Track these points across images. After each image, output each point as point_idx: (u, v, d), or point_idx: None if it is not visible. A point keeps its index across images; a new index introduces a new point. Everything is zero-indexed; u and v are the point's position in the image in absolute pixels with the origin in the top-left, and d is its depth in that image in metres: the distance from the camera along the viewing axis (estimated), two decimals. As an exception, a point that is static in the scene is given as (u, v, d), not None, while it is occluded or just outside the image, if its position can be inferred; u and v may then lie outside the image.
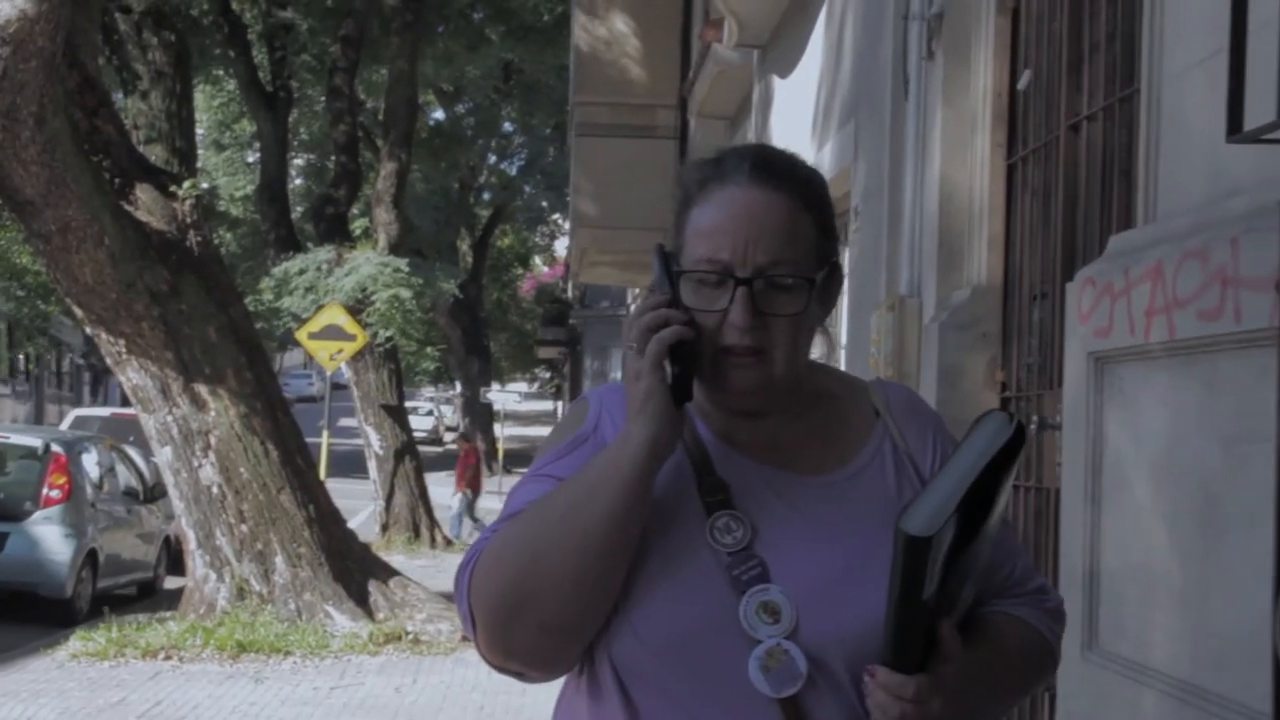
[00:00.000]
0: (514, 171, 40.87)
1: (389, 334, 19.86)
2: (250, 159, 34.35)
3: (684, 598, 1.80)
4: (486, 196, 41.86)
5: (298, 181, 36.26)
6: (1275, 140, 2.69)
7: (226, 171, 35.39)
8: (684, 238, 1.86)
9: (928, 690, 1.74)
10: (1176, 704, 3.24)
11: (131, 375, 11.78)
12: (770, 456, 1.90)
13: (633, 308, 1.84)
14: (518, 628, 1.79)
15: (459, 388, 43.30)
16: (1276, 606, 2.54)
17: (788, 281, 1.81)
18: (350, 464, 28.14)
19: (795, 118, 8.49)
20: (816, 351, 1.96)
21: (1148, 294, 3.46)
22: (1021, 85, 5.18)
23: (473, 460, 24.08)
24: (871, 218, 6.41)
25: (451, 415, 54.52)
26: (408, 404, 25.42)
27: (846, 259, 7.34)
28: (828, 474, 1.90)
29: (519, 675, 1.87)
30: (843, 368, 7.64)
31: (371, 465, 21.44)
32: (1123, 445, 3.69)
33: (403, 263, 19.85)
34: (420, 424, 44.03)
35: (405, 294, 19.50)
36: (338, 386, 23.59)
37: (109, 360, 12.10)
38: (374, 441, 21.24)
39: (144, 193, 11.85)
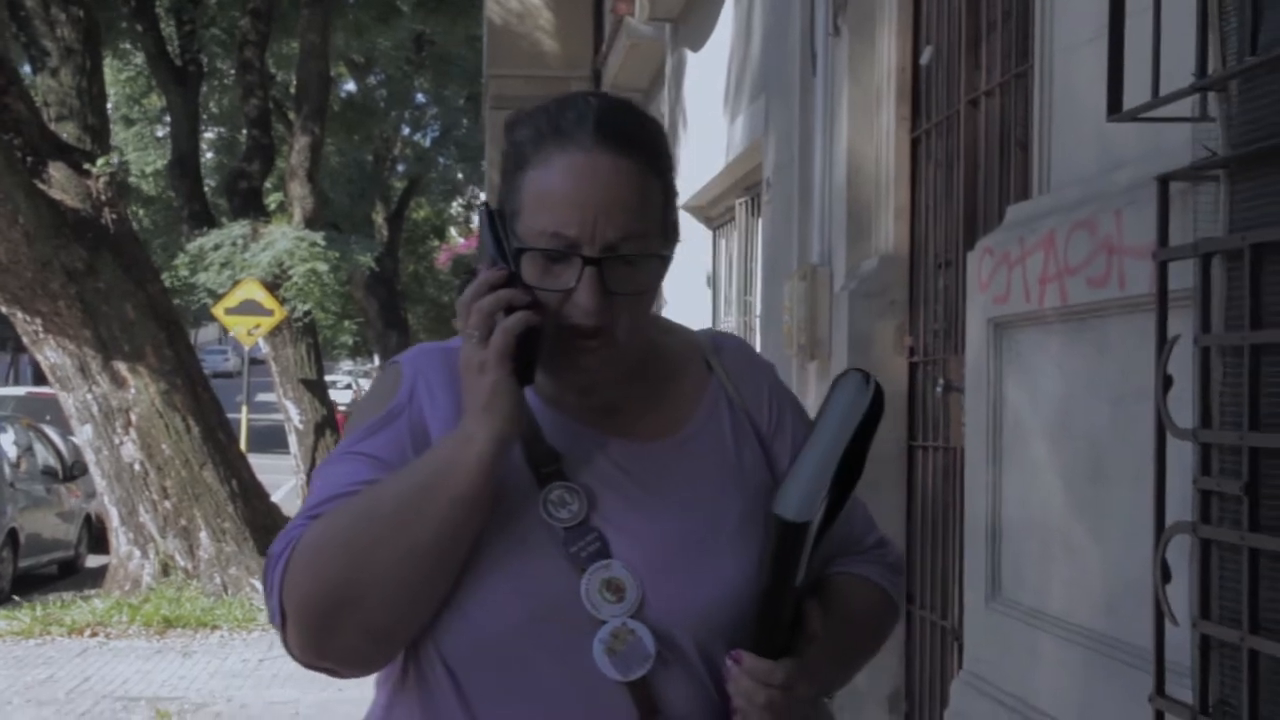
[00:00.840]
0: (428, 143, 40.73)
1: (307, 308, 19.82)
2: (160, 133, 33.98)
3: (520, 581, 1.67)
4: (401, 169, 41.69)
5: (209, 155, 35.94)
6: (1152, 119, 2.88)
7: (137, 146, 34.99)
8: (520, 202, 1.70)
9: (795, 674, 1.67)
10: (1071, 647, 3.45)
11: (49, 354, 11.77)
12: (602, 421, 1.78)
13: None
14: (336, 631, 1.63)
15: (377, 361, 43.17)
16: (1156, 552, 2.74)
17: (638, 259, 1.69)
18: (271, 439, 28.04)
19: (708, 91, 8.65)
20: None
21: (1041, 262, 3.65)
22: (924, 60, 5.37)
23: None
24: (783, 190, 6.59)
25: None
26: (327, 378, 25.34)
27: (761, 229, 7.53)
28: (664, 437, 1.79)
29: (330, 672, 1.72)
30: (758, 336, 7.87)
31: (292, 440, 21.41)
32: (1021, 406, 3.89)
33: (319, 236, 19.82)
34: (340, 397, 43.92)
35: (323, 268, 19.46)
36: (255, 361, 23.50)
37: (25, 339, 12.07)
38: (294, 416, 21.21)
39: (57, 171, 11.82)
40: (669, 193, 1.76)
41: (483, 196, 32.43)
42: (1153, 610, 2.77)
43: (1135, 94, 3.01)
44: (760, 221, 7.20)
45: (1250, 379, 2.44)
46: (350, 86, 37.91)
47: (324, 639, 1.65)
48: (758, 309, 7.48)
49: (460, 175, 42.44)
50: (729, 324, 8.59)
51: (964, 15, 4.96)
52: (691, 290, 9.62)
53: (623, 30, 10.85)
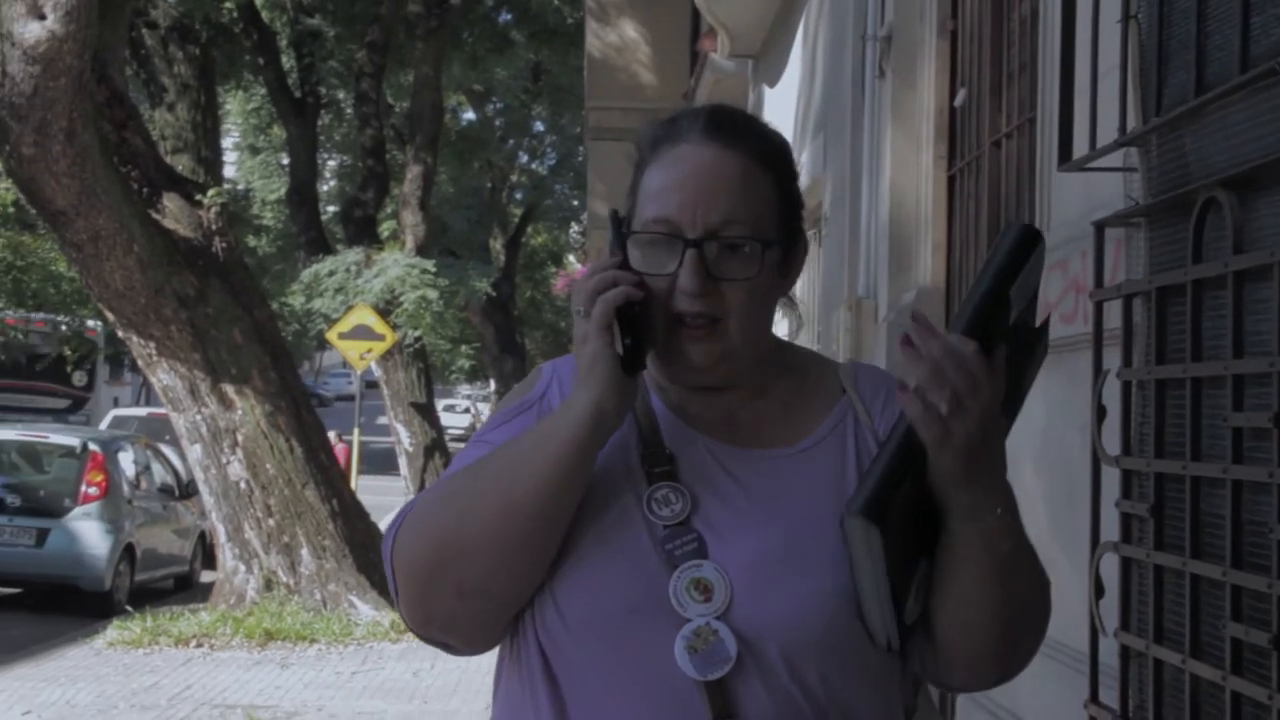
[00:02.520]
0: (545, 171, 41.33)
1: (417, 334, 20.36)
2: (285, 161, 34.97)
3: (611, 570, 1.70)
4: (518, 196, 42.35)
5: (331, 183, 36.87)
6: (1093, 169, 3.12)
7: (262, 174, 36.02)
8: (636, 200, 1.76)
9: (989, 368, 1.58)
10: (1045, 659, 3.67)
11: (162, 376, 12.32)
12: (724, 433, 1.79)
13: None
14: (437, 591, 1.71)
15: (494, 385, 43.83)
16: (1090, 569, 2.97)
17: (741, 243, 1.71)
18: (387, 461, 28.65)
19: (782, 125, 8.91)
20: (784, 328, 1.90)
21: (1028, 299, 3.89)
22: (957, 103, 5.61)
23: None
24: (837, 224, 6.85)
25: (488, 413, 55.06)
26: (446, 401, 25.90)
27: (819, 261, 7.78)
28: (780, 448, 1.78)
29: (444, 646, 1.79)
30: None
31: (402, 462, 21.97)
32: (1016, 433, 4.10)
33: (429, 264, 20.36)
34: (457, 421, 44.69)
35: (432, 295, 19.99)
36: (372, 385, 24.11)
37: (140, 362, 12.65)
38: (404, 439, 21.77)
39: (171, 201, 12.38)
40: (786, 195, 1.78)
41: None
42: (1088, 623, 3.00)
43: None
44: (820, 253, 7.46)
45: (1156, 410, 2.67)
46: (470, 115, 38.66)
47: (426, 600, 1.72)
48: (815, 337, 7.73)
49: (576, 203, 42.95)
50: (781, 331, 8.82)
51: (989, 63, 5.19)
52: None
53: (707, 66, 11.17)
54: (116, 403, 42.00)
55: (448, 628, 1.76)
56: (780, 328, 1.88)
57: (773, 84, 9.42)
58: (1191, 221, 2.49)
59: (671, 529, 1.70)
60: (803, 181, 6.44)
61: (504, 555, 1.68)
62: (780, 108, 9.02)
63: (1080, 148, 3.19)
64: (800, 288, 8.99)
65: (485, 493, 1.69)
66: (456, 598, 1.70)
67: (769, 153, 1.77)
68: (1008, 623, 1.73)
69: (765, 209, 1.73)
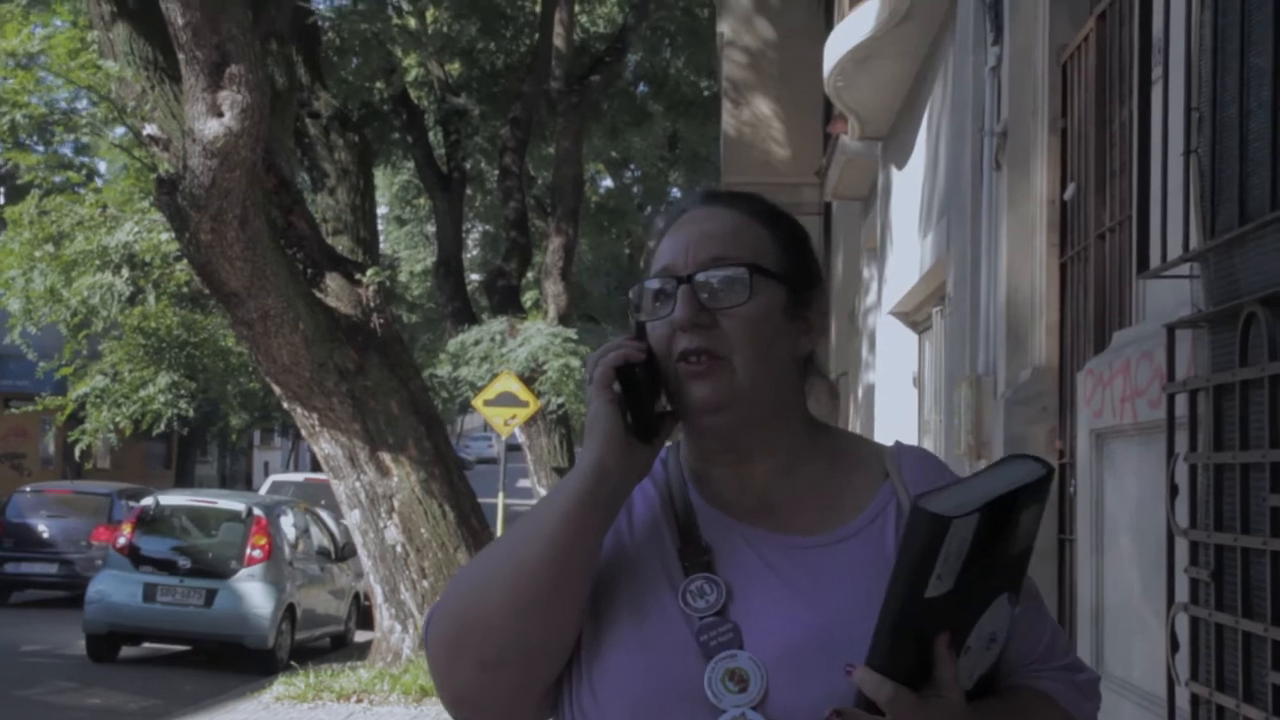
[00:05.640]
0: (681, 237, 41.89)
1: (560, 400, 21.01)
2: (430, 229, 36.06)
3: (647, 661, 1.71)
4: (656, 262, 42.98)
5: (474, 252, 37.91)
6: (1170, 276, 3.57)
7: (408, 245, 37.17)
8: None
9: (905, 704, 1.60)
10: (1142, 711, 4.09)
11: (324, 445, 13.06)
12: (760, 518, 1.80)
13: None
14: (459, 664, 1.73)
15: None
16: (1166, 626, 3.41)
17: (734, 273, 1.74)
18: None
19: (909, 207, 9.40)
20: (821, 408, 1.90)
21: (1121, 384, 4.33)
22: (1067, 196, 6.05)
23: None
24: (959, 304, 7.30)
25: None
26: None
27: (944, 338, 8.23)
28: (819, 535, 1.79)
29: None
30: (939, 438, 8.52)
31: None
32: (1114, 505, 4.55)
33: (572, 332, 21.04)
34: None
35: (575, 363, 20.64)
36: (513, 448, 24.81)
37: (304, 431, 13.41)
38: (547, 501, 22.38)
39: (332, 281, 13.18)
40: (784, 243, 1.83)
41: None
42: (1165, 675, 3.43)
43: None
44: (944, 330, 7.91)
45: (1215, 490, 3.12)
46: (608, 183, 39.51)
47: (452, 676, 1.75)
48: (940, 413, 8.16)
49: (712, 268, 43.49)
50: (933, 421, 9.25)
51: (1095, 160, 5.64)
52: (899, 389, 10.31)
53: (838, 147, 11.68)
54: (267, 468, 43.29)
55: (475, 706, 1.77)
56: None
57: (900, 166, 9.90)
58: (1238, 330, 2.94)
59: (708, 619, 1.71)
60: (928, 262, 6.99)
61: (518, 620, 1.70)
62: (907, 190, 9.50)
63: (1156, 256, 3.65)
64: (927, 364, 9.43)
65: (499, 558, 1.73)
66: (478, 670, 1.72)
67: (766, 212, 1.84)
68: None
69: (759, 247, 1.79)
